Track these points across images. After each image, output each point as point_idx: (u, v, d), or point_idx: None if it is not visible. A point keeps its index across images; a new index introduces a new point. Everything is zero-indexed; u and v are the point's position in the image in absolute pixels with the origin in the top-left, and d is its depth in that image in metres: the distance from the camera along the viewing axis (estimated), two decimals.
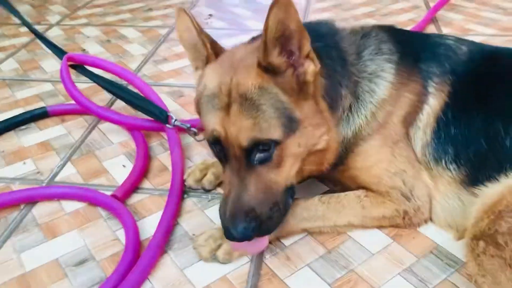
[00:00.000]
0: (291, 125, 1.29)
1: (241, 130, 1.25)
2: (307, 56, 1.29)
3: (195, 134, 1.85)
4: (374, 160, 1.52)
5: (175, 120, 1.89)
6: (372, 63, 1.54)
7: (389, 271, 1.41)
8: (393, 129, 1.53)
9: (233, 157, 1.30)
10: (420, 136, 1.54)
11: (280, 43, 1.25)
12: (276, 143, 1.28)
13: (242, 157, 1.28)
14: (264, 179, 1.30)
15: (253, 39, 1.54)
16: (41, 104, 2.34)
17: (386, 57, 1.55)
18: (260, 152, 1.28)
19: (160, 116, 1.91)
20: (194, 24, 1.40)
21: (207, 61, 1.42)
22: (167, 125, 1.91)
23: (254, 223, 1.27)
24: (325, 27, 1.57)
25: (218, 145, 1.32)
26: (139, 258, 1.44)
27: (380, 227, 1.55)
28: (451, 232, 1.53)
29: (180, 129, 1.91)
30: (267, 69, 1.28)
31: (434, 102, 1.53)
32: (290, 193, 1.39)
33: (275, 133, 1.27)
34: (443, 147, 1.51)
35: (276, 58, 1.26)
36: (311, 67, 1.30)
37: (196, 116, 2.15)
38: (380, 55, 1.54)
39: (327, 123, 1.39)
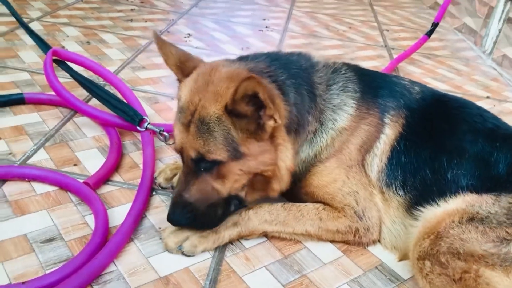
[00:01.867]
0: (235, 153, 1.50)
1: (192, 146, 1.48)
2: (271, 116, 1.48)
3: (165, 139, 1.96)
4: (329, 179, 1.69)
5: (148, 123, 2.00)
6: (338, 97, 1.72)
7: (338, 280, 1.54)
8: (349, 154, 1.70)
9: (186, 162, 1.53)
10: (377, 162, 1.72)
11: (249, 97, 1.42)
12: (220, 162, 1.49)
13: (191, 164, 1.51)
14: (206, 184, 1.52)
15: (240, 59, 1.69)
16: (17, 91, 2.38)
17: (350, 95, 1.74)
18: (205, 163, 1.49)
19: (134, 118, 2.00)
20: (172, 46, 1.64)
21: (187, 75, 1.60)
22: (139, 128, 2.00)
23: (188, 214, 1.51)
24: (303, 60, 1.75)
25: (179, 150, 1.55)
26: (106, 242, 1.51)
27: (333, 240, 1.69)
28: (395, 253, 1.69)
29: (154, 132, 2.01)
30: (231, 111, 1.46)
31: (389, 132, 1.73)
32: (234, 202, 1.60)
33: (220, 155, 1.48)
34: (394, 174, 1.70)
35: (243, 107, 1.45)
36: (271, 123, 1.49)
37: (168, 122, 2.29)
38: (345, 92, 1.74)
39: (276, 158, 1.56)
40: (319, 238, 1.69)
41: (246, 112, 1.45)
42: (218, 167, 1.49)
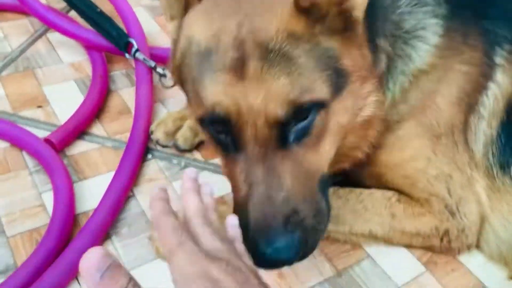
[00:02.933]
0: (338, 80, 0.86)
1: (273, 95, 0.80)
2: None
3: (160, 75, 1.36)
4: (405, 155, 1.09)
5: (136, 50, 1.39)
6: (410, 17, 1.06)
7: None
8: (436, 115, 1.08)
9: (253, 140, 0.83)
10: (484, 129, 1.10)
11: None
12: (321, 106, 0.84)
13: (270, 137, 0.82)
14: (302, 165, 0.86)
15: None
16: None
17: (430, 9, 1.07)
18: (297, 123, 0.83)
19: (117, 40, 1.40)
20: None
21: (186, 5, 0.94)
22: (127, 55, 1.41)
23: (298, 233, 0.81)
24: None
25: (222, 126, 0.85)
26: (68, 243, 0.98)
27: (409, 246, 1.13)
28: (503, 267, 1.13)
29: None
30: (305, 10, 0.83)
31: (504, 80, 1.09)
32: (325, 188, 0.93)
33: (321, 91, 0.83)
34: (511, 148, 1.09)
35: None
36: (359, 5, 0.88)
37: None
38: (421, 7, 1.07)
39: (375, 77, 0.95)
40: (389, 242, 1.12)
41: (322, 3, 0.84)
42: (314, 123, 0.85)
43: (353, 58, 0.89)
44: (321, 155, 0.90)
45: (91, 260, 0.50)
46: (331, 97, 0.86)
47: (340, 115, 0.89)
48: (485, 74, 1.09)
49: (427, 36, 1.06)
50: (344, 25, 0.88)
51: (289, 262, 0.84)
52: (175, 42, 0.95)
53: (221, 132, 0.87)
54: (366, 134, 1.01)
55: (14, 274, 0.92)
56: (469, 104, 1.10)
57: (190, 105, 0.93)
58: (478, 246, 1.15)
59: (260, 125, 0.82)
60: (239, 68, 0.81)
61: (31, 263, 0.93)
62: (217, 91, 0.82)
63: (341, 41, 0.87)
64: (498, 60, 1.09)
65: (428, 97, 1.07)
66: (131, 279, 0.52)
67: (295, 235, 0.81)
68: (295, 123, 0.83)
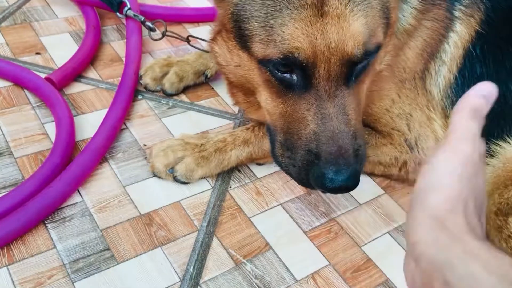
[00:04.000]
0: (386, 29, 0.95)
1: (351, 35, 0.87)
2: None
3: (150, 29, 1.49)
4: (373, 95, 1.23)
5: (128, 8, 1.51)
6: None
7: (377, 228, 1.16)
8: (403, 63, 1.23)
9: (326, 78, 0.90)
10: (444, 73, 1.25)
11: None
12: (378, 50, 0.94)
13: (341, 75, 0.90)
14: (358, 101, 0.96)
15: None
16: None
17: None
18: (365, 59, 0.91)
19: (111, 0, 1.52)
20: None
21: None
22: (118, 14, 1.53)
23: (361, 164, 0.93)
24: None
25: (294, 65, 0.90)
26: (70, 162, 1.11)
27: (371, 173, 1.28)
28: None
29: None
30: None
31: (461, 30, 1.24)
32: None
33: (381, 36, 0.92)
34: (464, 90, 1.24)
35: None
36: None
37: (168, 4, 1.80)
38: None
39: (393, 34, 1.06)
40: None
41: None
42: (370, 63, 0.95)
43: (395, 15, 1.00)
44: (364, 93, 1.01)
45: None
46: (383, 43, 0.95)
47: (378, 60, 1.01)
48: (447, 27, 1.24)
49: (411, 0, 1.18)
50: None
51: (354, 187, 0.94)
52: None
53: (287, 72, 0.91)
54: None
55: (25, 182, 1.04)
56: (431, 54, 1.24)
57: (250, 44, 0.93)
58: None
59: (334, 62, 0.88)
60: (320, 5, 0.85)
61: (39, 174, 1.05)
62: (298, 32, 0.86)
63: None
64: (457, 13, 1.24)
65: (400, 48, 1.21)
66: None
67: (360, 165, 0.93)
68: (362, 62, 0.91)
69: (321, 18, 0.86)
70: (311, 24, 0.86)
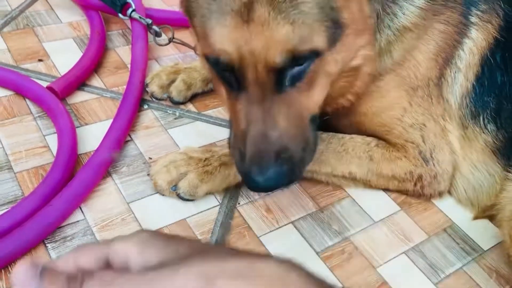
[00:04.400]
0: (334, 32, 0.90)
1: (274, 42, 0.84)
2: None
3: (157, 35, 1.44)
4: (383, 104, 1.17)
5: (133, 10, 1.46)
6: None
7: (393, 248, 1.10)
8: (414, 69, 1.17)
9: (254, 82, 0.89)
10: (461, 81, 1.20)
11: None
12: (316, 55, 0.90)
13: (268, 80, 0.88)
14: (295, 107, 0.93)
15: None
16: None
17: None
18: (294, 66, 0.88)
19: (114, 1, 1.47)
20: None
21: None
22: (121, 16, 1.48)
23: (286, 167, 0.90)
24: None
25: (226, 67, 0.90)
26: (71, 177, 1.06)
27: (385, 189, 1.23)
28: (470, 209, 1.23)
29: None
30: None
31: (478, 36, 1.18)
32: (314, 126, 1.01)
33: (319, 41, 0.88)
34: (484, 99, 1.19)
35: None
36: None
37: (172, 8, 1.75)
38: None
39: (369, 31, 1.01)
40: (367, 185, 1.22)
41: None
42: (309, 69, 0.91)
43: (351, 11, 0.94)
44: (312, 99, 0.97)
45: (19, 274, 0.42)
46: (327, 47, 0.91)
47: (332, 64, 0.95)
48: (461, 32, 1.18)
49: None
50: None
51: (275, 187, 0.96)
52: None
53: (225, 71, 0.91)
54: (353, 84, 1.08)
55: (25, 199, 1.00)
56: (446, 59, 1.18)
57: (198, 39, 0.96)
58: (448, 191, 1.25)
59: (260, 69, 0.87)
60: (246, 12, 0.84)
61: (39, 191, 1.01)
62: (223, 37, 0.85)
63: None
64: (473, 19, 1.18)
65: (408, 52, 1.15)
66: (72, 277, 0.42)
67: (283, 167, 0.90)
68: (292, 69, 0.89)
69: (246, 25, 0.85)
70: (236, 30, 0.85)
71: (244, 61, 0.87)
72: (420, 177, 1.20)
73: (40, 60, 1.41)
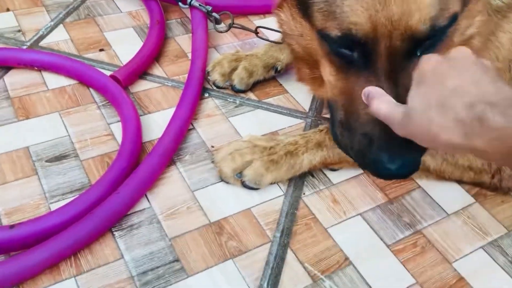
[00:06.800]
0: None
1: (417, 8, 0.76)
2: None
3: (216, 22, 1.41)
4: None
5: None
6: None
7: (469, 242, 1.04)
8: (496, 51, 1.07)
9: (386, 55, 0.81)
10: None
11: None
12: (453, 23, 0.82)
13: (402, 51, 0.80)
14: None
15: None
16: None
17: None
18: (432, 37, 0.80)
19: None
20: None
21: None
22: (181, 4, 1.46)
23: (416, 152, 0.83)
24: None
25: (353, 43, 0.81)
26: (137, 165, 1.06)
27: (459, 180, 1.16)
28: None
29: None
30: None
31: None
32: None
33: (456, 5, 0.81)
34: None
35: None
36: None
37: None
38: None
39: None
40: (440, 176, 1.15)
41: None
42: (444, 37, 0.83)
43: None
44: None
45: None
46: (460, 11, 0.83)
47: (460, 31, 0.89)
48: None
49: None
50: None
51: (407, 176, 0.88)
52: None
53: (347, 47, 0.83)
54: None
55: (92, 187, 1.00)
56: None
57: (311, 13, 0.86)
58: None
59: (396, 38, 0.78)
60: None
61: (106, 179, 1.01)
62: (357, 4, 0.77)
63: None
64: None
65: (492, 33, 1.07)
66: None
67: (414, 153, 0.83)
68: (431, 37, 0.80)
69: None
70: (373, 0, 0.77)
71: (379, 30, 0.78)
72: (499, 169, 1.12)
73: (101, 50, 1.42)
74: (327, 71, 0.92)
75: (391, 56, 0.81)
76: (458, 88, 0.65)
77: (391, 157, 0.81)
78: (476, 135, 0.60)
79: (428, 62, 0.71)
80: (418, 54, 0.81)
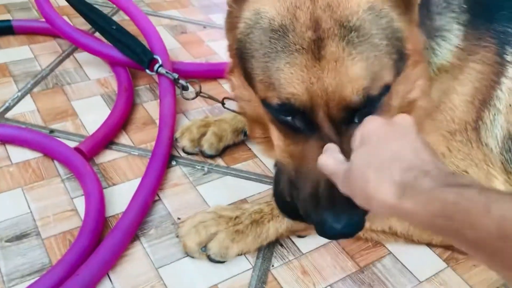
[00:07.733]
0: (399, 64, 0.86)
1: (349, 80, 0.79)
2: None
3: (183, 88, 1.42)
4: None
5: (160, 65, 1.45)
6: (440, 17, 1.08)
7: None
8: (450, 113, 1.10)
9: (325, 122, 0.83)
10: (501, 123, 1.12)
11: None
12: (386, 91, 0.84)
13: (341, 119, 0.83)
14: None
15: None
16: (7, 17, 1.86)
17: (455, 16, 1.10)
18: (366, 106, 0.82)
19: (142, 57, 1.46)
20: None
21: None
22: (148, 71, 1.47)
23: (360, 211, 0.80)
24: None
25: (293, 111, 0.84)
26: (99, 243, 1.03)
27: (429, 244, 1.14)
28: None
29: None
30: None
31: None
32: None
33: (388, 76, 0.83)
34: None
35: None
36: None
37: (198, 60, 1.74)
38: (449, 12, 1.09)
39: (423, 61, 0.95)
40: (409, 239, 1.14)
41: None
42: (379, 104, 0.85)
43: (413, 42, 0.89)
44: None
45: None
46: (393, 81, 0.86)
47: (394, 97, 0.90)
48: (497, 72, 1.11)
49: (450, 37, 1.06)
50: (405, 5, 0.87)
51: (352, 235, 0.87)
52: (232, 14, 0.92)
53: (288, 115, 0.85)
54: None
55: (51, 270, 0.96)
56: (483, 101, 1.11)
57: (253, 83, 0.88)
58: None
59: (332, 108, 0.81)
60: (316, 49, 0.79)
61: (66, 260, 0.97)
62: (293, 77, 0.80)
63: (407, 22, 0.87)
64: (509, 58, 1.12)
65: (444, 94, 1.09)
66: None
67: (358, 211, 0.80)
68: (365, 106, 0.82)
69: (318, 62, 0.79)
70: (307, 69, 0.79)
71: (315, 101, 0.81)
72: None
73: (68, 120, 1.41)
74: (276, 136, 0.93)
75: (331, 122, 0.83)
76: (398, 153, 0.67)
77: (336, 216, 0.81)
78: (408, 197, 0.61)
79: (373, 123, 0.73)
80: (356, 121, 0.83)
